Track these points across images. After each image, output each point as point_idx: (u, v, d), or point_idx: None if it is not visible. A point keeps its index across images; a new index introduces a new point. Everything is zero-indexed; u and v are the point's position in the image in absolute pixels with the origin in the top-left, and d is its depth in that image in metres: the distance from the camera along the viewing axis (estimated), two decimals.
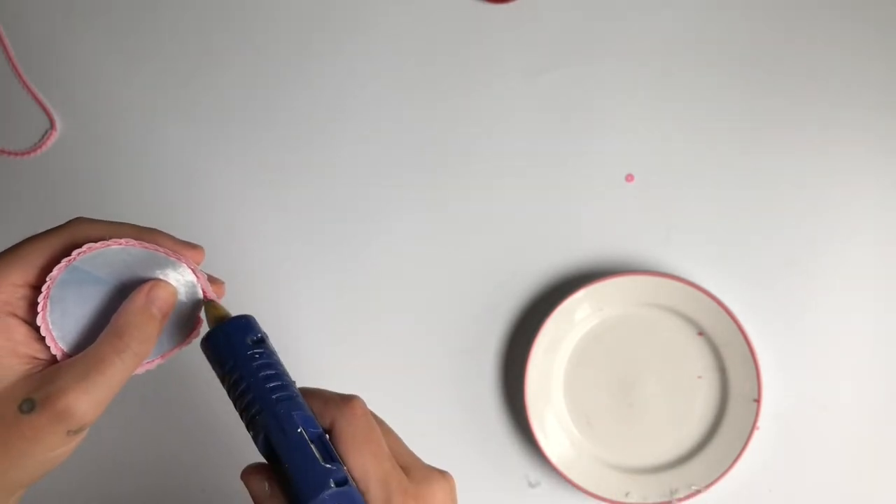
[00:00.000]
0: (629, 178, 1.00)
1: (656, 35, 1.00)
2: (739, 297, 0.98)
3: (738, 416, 0.96)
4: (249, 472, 0.56)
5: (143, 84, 1.04)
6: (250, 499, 0.56)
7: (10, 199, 1.05)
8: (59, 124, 1.04)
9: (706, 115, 0.99)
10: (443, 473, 0.59)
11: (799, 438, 0.98)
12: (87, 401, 0.53)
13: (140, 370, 0.58)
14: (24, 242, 0.57)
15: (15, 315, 0.55)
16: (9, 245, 0.57)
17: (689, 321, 0.97)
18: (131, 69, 1.04)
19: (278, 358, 0.58)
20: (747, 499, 0.99)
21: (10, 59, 1.05)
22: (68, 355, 0.56)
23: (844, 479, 0.98)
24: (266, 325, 0.60)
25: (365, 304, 1.02)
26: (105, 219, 0.60)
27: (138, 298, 0.57)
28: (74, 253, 0.56)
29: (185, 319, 0.61)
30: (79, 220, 0.59)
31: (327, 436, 0.56)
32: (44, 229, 0.59)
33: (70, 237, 0.57)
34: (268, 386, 0.56)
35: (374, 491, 0.54)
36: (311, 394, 0.58)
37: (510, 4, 1.01)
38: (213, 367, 0.59)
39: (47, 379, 0.53)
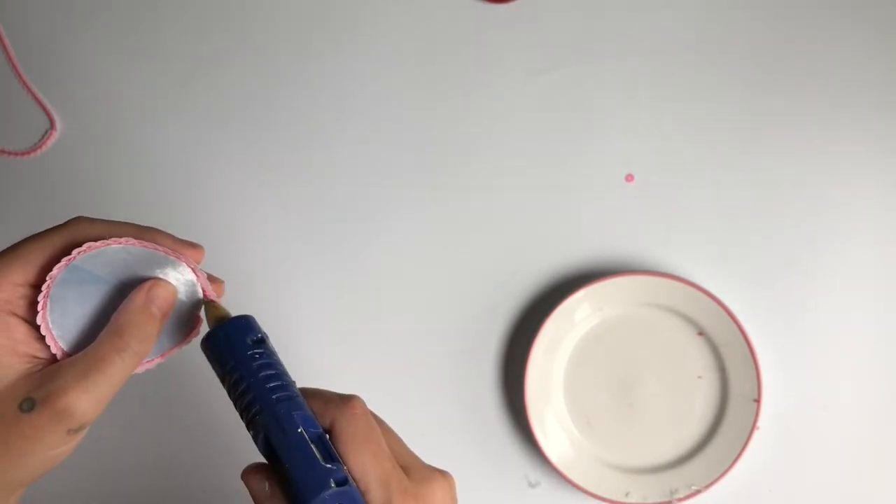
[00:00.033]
0: (629, 178, 1.00)
1: (656, 35, 1.00)
2: (739, 297, 0.98)
3: (738, 416, 0.96)
4: (249, 472, 0.56)
5: (143, 84, 1.04)
6: (250, 499, 0.56)
7: (10, 199, 1.05)
8: (59, 124, 1.04)
9: (706, 115, 0.99)
10: (443, 473, 0.59)
11: (799, 438, 0.98)
12: (88, 400, 0.53)
13: (140, 369, 0.58)
14: (25, 241, 0.57)
15: (15, 314, 0.55)
16: (9, 245, 0.57)
17: (689, 321, 0.97)
18: (131, 69, 1.04)
19: (278, 358, 0.58)
20: (747, 499, 0.99)
21: (10, 59, 1.05)
22: (68, 354, 0.56)
23: (844, 479, 0.98)
24: (266, 325, 0.60)
25: (365, 304, 1.02)
26: (105, 218, 0.60)
27: (138, 297, 0.57)
28: (74, 252, 0.56)
29: (185, 318, 0.61)
30: (79, 220, 0.59)
31: (327, 436, 0.56)
32: (44, 229, 0.59)
33: (70, 236, 0.57)
34: (268, 386, 0.56)
35: (374, 491, 0.54)
36: (311, 394, 0.58)
37: (510, 4, 1.01)
38: (214, 368, 0.59)
39: (47, 378, 0.53)
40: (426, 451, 0.61)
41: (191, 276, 0.60)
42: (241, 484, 0.57)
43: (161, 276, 0.59)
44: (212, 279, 0.62)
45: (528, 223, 1.01)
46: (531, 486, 1.00)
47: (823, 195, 0.98)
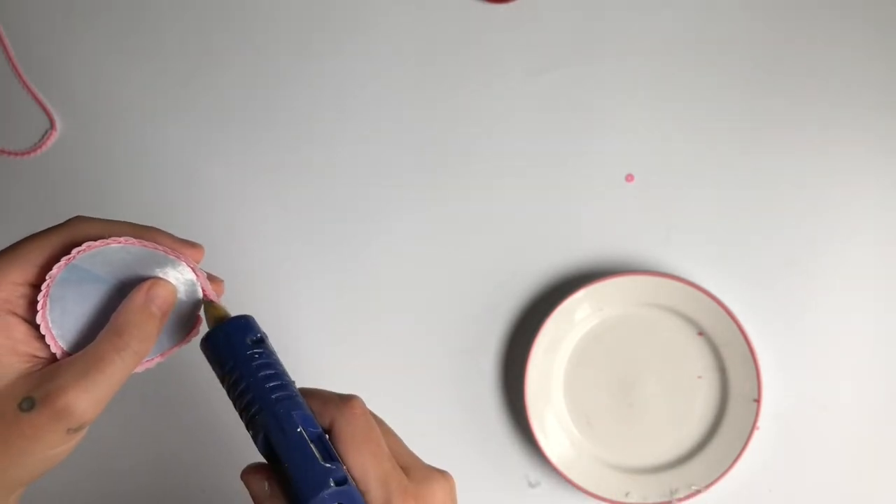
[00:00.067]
0: (629, 178, 1.00)
1: (656, 35, 1.00)
2: (739, 297, 0.98)
3: (738, 416, 0.96)
4: (249, 472, 0.56)
5: (143, 84, 1.04)
6: (250, 498, 0.56)
7: (10, 199, 1.05)
8: (59, 124, 1.04)
9: (706, 115, 0.99)
10: (443, 473, 0.59)
11: (799, 438, 0.98)
12: (87, 399, 0.53)
13: (140, 368, 0.58)
14: (24, 241, 0.57)
15: (15, 313, 0.55)
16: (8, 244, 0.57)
17: (689, 321, 0.97)
18: (131, 69, 1.04)
19: (278, 358, 0.58)
20: (747, 499, 0.99)
21: (10, 59, 1.05)
22: (68, 354, 0.56)
23: (844, 479, 0.98)
24: (266, 325, 0.60)
25: (365, 304, 1.02)
26: (104, 218, 0.60)
27: (138, 297, 0.57)
28: (74, 251, 0.56)
29: (184, 318, 0.61)
30: (78, 219, 0.59)
31: (327, 436, 0.56)
32: (43, 229, 0.59)
33: (69, 236, 0.57)
34: (267, 385, 0.56)
35: (373, 491, 0.54)
36: (310, 394, 0.58)
37: (510, 4, 1.01)
38: (213, 367, 0.59)
39: (47, 377, 0.53)
40: (426, 451, 0.61)
41: (190, 275, 0.60)
42: (241, 484, 0.57)
43: (161, 275, 0.59)
44: (211, 279, 0.62)
45: (528, 223, 1.01)
46: (531, 486, 1.00)
47: (823, 195, 0.98)
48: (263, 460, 0.56)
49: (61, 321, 0.56)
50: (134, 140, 1.04)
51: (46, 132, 1.04)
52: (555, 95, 1.00)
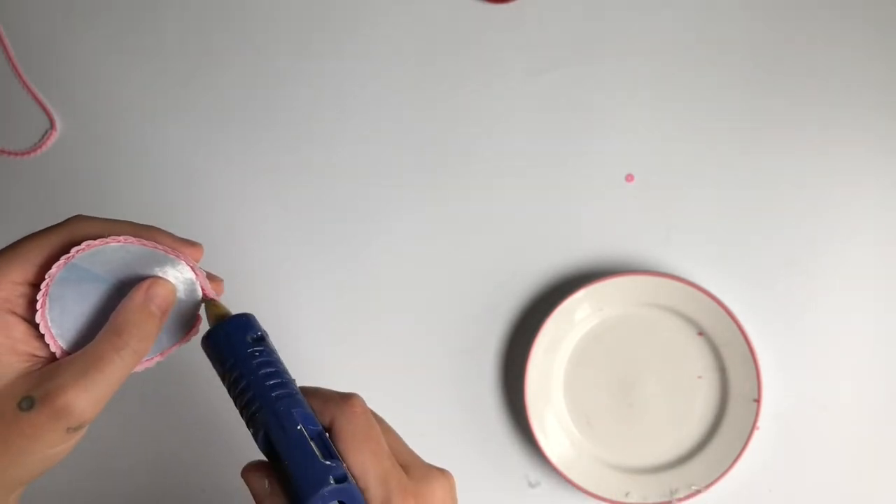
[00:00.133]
0: (629, 178, 1.00)
1: (656, 35, 1.00)
2: (739, 297, 0.98)
3: (738, 416, 0.96)
4: (249, 470, 0.56)
5: (143, 84, 1.04)
6: (250, 497, 0.56)
7: (10, 199, 1.05)
8: (59, 124, 1.04)
9: (706, 115, 0.99)
10: (442, 472, 0.59)
11: (799, 438, 0.98)
12: (87, 398, 0.53)
13: (139, 368, 0.58)
14: (24, 240, 0.57)
15: (14, 313, 0.55)
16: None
17: (689, 321, 0.97)
18: (131, 69, 1.05)
19: (278, 356, 0.58)
20: (747, 499, 0.99)
21: (10, 59, 1.05)
22: (67, 353, 0.56)
23: (844, 479, 0.98)
24: (266, 324, 0.60)
25: (365, 304, 1.02)
26: (104, 217, 0.60)
27: (137, 296, 0.57)
28: (73, 250, 0.56)
29: (184, 317, 0.61)
30: (78, 218, 0.59)
31: (327, 434, 0.56)
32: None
33: (69, 235, 0.57)
34: (268, 384, 0.56)
35: (373, 489, 0.54)
36: (310, 392, 0.58)
37: (510, 4, 1.01)
38: (214, 366, 0.59)
39: (46, 376, 0.53)
40: (426, 451, 0.61)
41: (190, 274, 0.60)
42: (241, 482, 0.57)
43: (160, 274, 0.59)
44: (211, 278, 0.62)
45: (528, 223, 1.01)
46: (531, 486, 1.00)
47: (823, 195, 0.98)
48: (264, 458, 0.56)
49: (60, 320, 0.56)
50: (134, 140, 1.04)
51: (46, 132, 1.04)
52: (555, 95, 1.00)
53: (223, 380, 0.58)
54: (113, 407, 0.57)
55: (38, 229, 0.58)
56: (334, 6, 1.03)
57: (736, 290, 0.98)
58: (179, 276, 0.60)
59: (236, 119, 1.03)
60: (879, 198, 0.97)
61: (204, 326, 0.61)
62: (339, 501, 0.52)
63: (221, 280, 0.63)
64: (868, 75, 0.97)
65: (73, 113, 1.05)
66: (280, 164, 1.03)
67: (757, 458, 0.98)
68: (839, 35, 0.98)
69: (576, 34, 1.00)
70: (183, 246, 0.60)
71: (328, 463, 0.53)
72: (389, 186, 1.02)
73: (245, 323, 0.59)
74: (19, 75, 1.04)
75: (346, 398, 0.58)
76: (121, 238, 0.58)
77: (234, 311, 0.60)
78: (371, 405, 0.59)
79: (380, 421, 0.60)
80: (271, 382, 0.56)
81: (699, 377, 0.98)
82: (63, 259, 0.56)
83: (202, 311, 0.61)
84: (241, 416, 0.57)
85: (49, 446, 0.53)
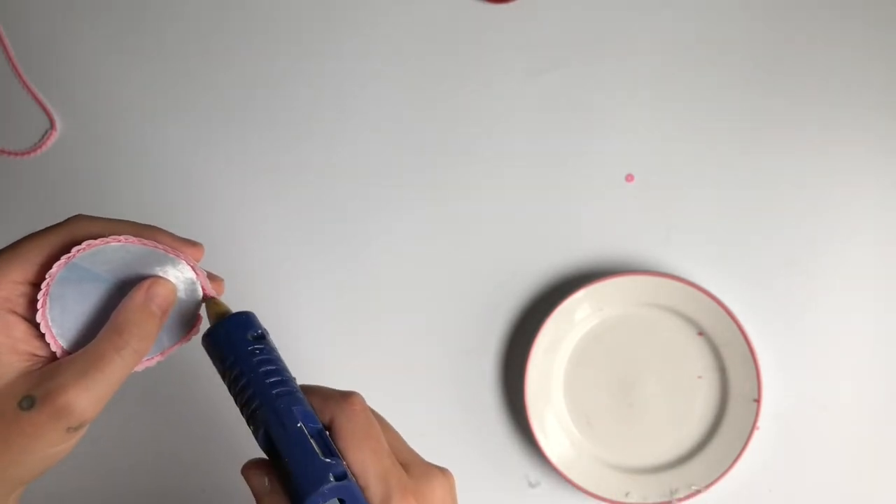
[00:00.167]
0: (629, 178, 1.00)
1: (656, 35, 1.00)
2: (739, 297, 0.98)
3: (738, 416, 0.96)
4: (249, 468, 0.56)
5: (143, 84, 1.04)
6: (251, 496, 0.56)
7: (10, 199, 1.05)
8: (59, 124, 1.04)
9: (706, 115, 0.99)
10: (442, 470, 0.59)
11: (799, 438, 0.98)
12: (87, 398, 0.53)
13: (140, 367, 0.58)
14: (24, 240, 0.57)
15: (15, 312, 0.55)
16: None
17: (689, 321, 0.97)
18: (131, 69, 1.04)
19: (278, 354, 0.58)
20: (747, 499, 0.99)
21: (10, 59, 1.05)
22: (68, 352, 0.56)
23: (844, 479, 0.98)
24: (266, 324, 0.60)
25: (365, 304, 1.02)
26: (104, 217, 0.60)
27: (138, 295, 0.57)
28: (74, 250, 0.56)
29: (184, 316, 0.61)
30: (78, 218, 0.59)
31: (327, 432, 0.56)
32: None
33: (69, 234, 0.57)
34: (268, 381, 0.56)
35: (373, 487, 0.54)
36: (311, 390, 0.58)
37: (510, 4, 1.01)
38: (214, 363, 0.59)
39: (47, 376, 0.53)
40: (426, 450, 0.61)
41: (190, 274, 0.60)
42: (241, 481, 0.57)
43: (161, 274, 0.59)
44: (212, 277, 0.62)
45: (528, 223, 1.01)
46: (531, 486, 1.00)
47: (823, 195, 0.98)
48: (264, 456, 0.57)
49: (61, 320, 0.56)
50: (134, 140, 1.04)
51: (46, 132, 1.04)
52: (555, 95, 1.00)
53: (223, 378, 0.58)
54: (113, 406, 0.57)
55: (38, 229, 0.58)
56: (334, 6, 1.03)
57: (736, 290, 0.98)
58: (180, 276, 0.60)
59: (236, 119, 1.03)
60: (879, 198, 0.97)
61: (204, 326, 0.61)
62: (338, 499, 0.52)
63: (222, 280, 0.63)
64: (868, 75, 0.97)
65: (73, 113, 1.05)
66: (280, 164, 1.03)
67: (757, 458, 0.98)
68: (839, 35, 0.98)
69: (576, 34, 1.00)
70: (183, 245, 0.60)
71: (328, 460, 0.53)
72: (389, 186, 1.02)
73: (245, 321, 0.59)
74: (19, 75, 1.04)
75: (346, 396, 0.58)
76: (121, 237, 0.58)
77: (234, 310, 0.60)
78: (371, 405, 0.59)
79: (380, 419, 0.60)
80: (271, 380, 0.56)
81: (699, 377, 0.98)
82: (64, 258, 0.56)
83: (203, 311, 0.61)
84: (242, 413, 0.57)
85: (49, 445, 0.53)
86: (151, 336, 0.57)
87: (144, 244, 0.58)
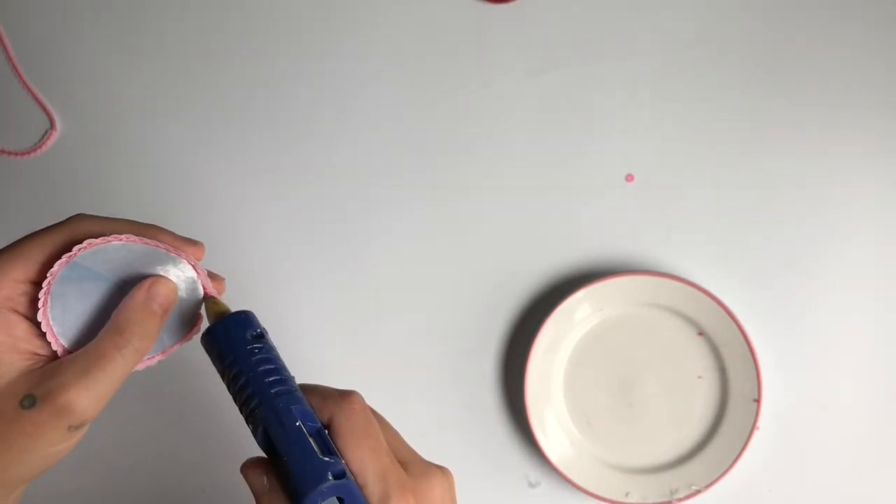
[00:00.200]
0: (629, 178, 1.00)
1: (656, 35, 1.00)
2: (739, 297, 0.98)
3: (738, 416, 0.96)
4: (248, 466, 0.56)
5: (143, 84, 1.04)
6: (251, 497, 0.56)
7: (10, 199, 1.05)
8: (59, 124, 1.04)
9: (706, 115, 0.99)
10: (441, 469, 0.59)
11: (799, 438, 0.98)
12: (88, 397, 0.53)
13: (141, 366, 0.58)
14: (25, 239, 0.57)
15: (16, 311, 0.55)
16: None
17: (689, 321, 0.97)
18: (131, 69, 1.04)
19: (278, 353, 0.58)
20: (747, 499, 0.99)
21: (10, 59, 1.05)
22: (69, 351, 0.56)
23: (844, 479, 0.98)
24: (266, 324, 0.60)
25: (365, 304, 1.02)
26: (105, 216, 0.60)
27: (139, 295, 0.57)
28: (75, 249, 0.56)
29: (185, 316, 0.61)
30: (79, 217, 0.59)
31: (326, 431, 0.56)
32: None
33: (70, 233, 0.57)
34: (267, 380, 0.56)
35: (372, 485, 0.54)
36: (310, 390, 0.58)
37: (510, 4, 1.01)
38: (213, 362, 0.59)
39: (48, 375, 0.53)
40: (426, 450, 0.61)
41: (191, 273, 0.60)
42: (241, 480, 0.56)
43: (162, 273, 0.59)
44: (212, 276, 0.62)
45: (528, 223, 1.01)
46: (531, 486, 1.00)
47: (823, 195, 0.98)
48: (263, 455, 0.57)
49: (62, 319, 0.56)
50: (134, 140, 1.04)
51: (46, 132, 1.04)
52: (555, 95, 1.00)
53: (222, 376, 0.58)
54: (113, 406, 0.56)
55: (38, 229, 0.58)
56: (334, 6, 1.03)
57: (736, 290, 0.98)
58: (181, 275, 0.60)
59: (236, 119, 1.03)
60: (879, 198, 0.97)
61: (205, 325, 0.61)
62: (337, 497, 0.52)
63: (223, 279, 0.64)
64: (868, 75, 0.97)
65: (73, 113, 1.05)
66: (280, 164, 1.03)
67: (757, 458, 0.98)
68: (839, 35, 0.98)
69: (576, 34, 1.00)
70: (184, 244, 0.60)
71: (327, 459, 0.53)
72: (389, 186, 1.02)
73: (244, 320, 0.59)
74: (19, 75, 1.04)
75: (345, 395, 0.58)
76: (122, 236, 0.58)
77: (233, 310, 0.60)
78: (371, 405, 0.59)
79: (379, 418, 0.60)
80: (270, 379, 0.56)
81: (699, 377, 0.98)
82: (65, 257, 0.56)
83: (203, 310, 0.61)
84: (241, 412, 0.57)
85: (50, 444, 0.53)
86: (152, 335, 0.57)
87: (145, 243, 0.58)
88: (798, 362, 0.98)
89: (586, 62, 1.00)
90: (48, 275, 0.55)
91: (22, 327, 0.55)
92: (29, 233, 0.58)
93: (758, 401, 0.94)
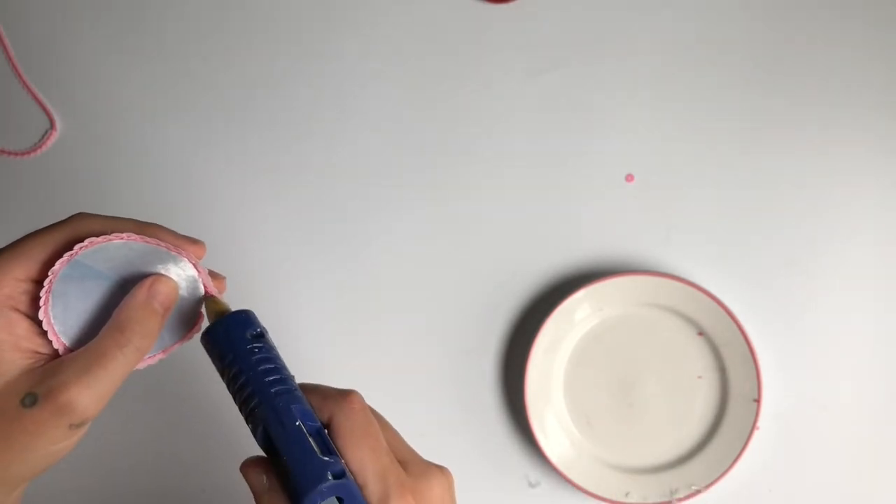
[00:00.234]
0: (629, 178, 1.00)
1: (656, 35, 1.00)
2: (739, 297, 0.98)
3: (738, 416, 0.96)
4: (248, 466, 0.56)
5: (143, 84, 1.04)
6: (251, 497, 0.56)
7: (10, 199, 1.05)
8: (59, 124, 1.04)
9: (706, 115, 0.99)
10: (441, 468, 0.59)
11: (799, 438, 0.98)
12: (89, 395, 0.53)
13: (142, 365, 0.58)
14: (27, 237, 0.57)
15: (17, 310, 0.55)
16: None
17: (689, 321, 0.97)
18: (131, 69, 1.04)
19: (277, 352, 0.58)
20: (747, 499, 0.99)
21: (10, 59, 1.05)
22: (70, 350, 0.56)
23: (844, 479, 0.98)
24: (266, 324, 0.60)
25: (365, 304, 1.02)
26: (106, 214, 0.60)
27: (140, 293, 0.57)
28: (76, 247, 0.56)
29: (186, 314, 0.61)
30: (80, 215, 0.59)
31: (326, 430, 0.56)
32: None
33: (72, 232, 0.57)
34: (267, 379, 0.56)
35: (371, 485, 0.54)
36: (310, 389, 0.58)
37: (510, 4, 1.01)
38: (213, 362, 0.59)
39: (49, 373, 0.53)
40: (426, 450, 0.61)
41: (192, 271, 0.60)
42: (241, 480, 0.56)
43: (163, 271, 0.59)
44: (213, 275, 0.62)
45: (528, 223, 1.01)
46: (531, 486, 1.00)
47: (823, 195, 0.98)
48: (262, 454, 0.56)
49: (63, 317, 0.56)
50: (134, 140, 1.04)
51: (46, 132, 1.04)
52: (555, 95, 1.00)
53: (222, 376, 0.58)
54: (114, 405, 0.57)
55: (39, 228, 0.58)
56: (334, 6, 1.03)
57: (736, 290, 0.98)
58: (182, 274, 0.60)
59: (236, 119, 1.03)
60: (879, 198, 0.98)
61: (205, 324, 0.61)
62: (337, 497, 0.52)
63: (224, 277, 0.64)
64: (868, 75, 0.97)
65: (73, 113, 1.05)
66: (280, 164, 1.03)
67: (757, 458, 0.98)
68: (839, 35, 0.98)
69: (576, 34, 1.00)
70: (185, 243, 0.61)
71: (326, 459, 0.53)
72: (389, 186, 1.02)
73: (244, 319, 0.59)
74: (19, 75, 1.04)
75: (345, 395, 0.58)
76: (124, 235, 0.58)
77: (233, 309, 0.60)
78: (371, 405, 0.59)
79: (378, 417, 0.60)
80: (270, 378, 0.56)
81: (699, 377, 0.98)
82: (66, 256, 0.56)
83: (203, 308, 0.61)
84: (241, 412, 0.57)
85: (52, 443, 0.53)
86: (153, 334, 0.57)
87: (147, 241, 0.58)
88: (798, 362, 0.98)
89: (586, 62, 1.00)
90: (49, 273, 0.55)
91: (23, 326, 0.55)
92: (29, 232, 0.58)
93: (758, 401, 0.94)
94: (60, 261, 0.56)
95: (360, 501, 0.53)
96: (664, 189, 0.99)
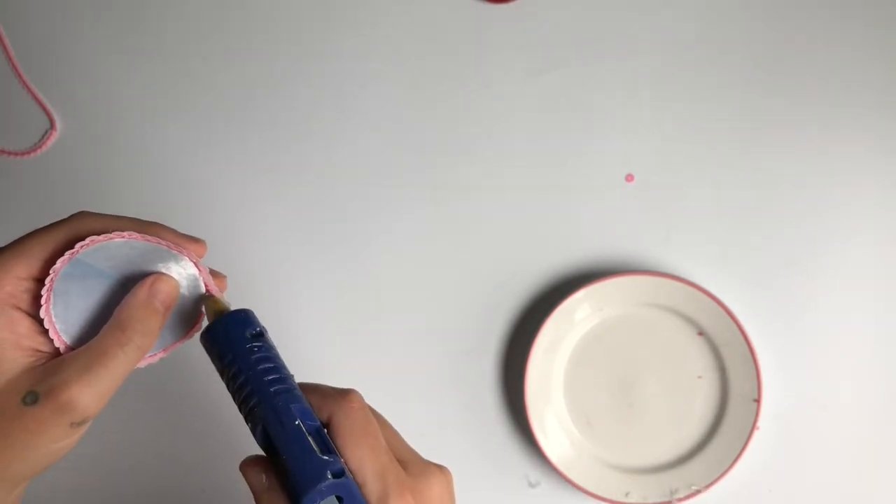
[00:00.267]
0: (629, 178, 1.00)
1: (656, 35, 1.00)
2: (739, 297, 0.98)
3: (738, 416, 0.96)
4: (247, 465, 0.56)
5: (143, 84, 1.04)
6: (251, 497, 0.56)
7: (10, 199, 1.05)
8: (59, 124, 1.04)
9: (706, 115, 0.99)
10: (440, 467, 0.59)
11: (799, 438, 0.98)
12: (90, 393, 0.53)
13: (143, 364, 0.58)
14: (28, 236, 0.57)
15: (19, 308, 0.55)
16: None
17: (689, 321, 0.97)
18: (131, 69, 1.04)
19: (277, 352, 0.58)
20: (747, 499, 0.99)
21: (10, 59, 1.05)
22: (71, 348, 0.56)
23: (844, 479, 0.98)
24: (266, 324, 0.60)
25: (365, 304, 1.02)
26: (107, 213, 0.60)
27: (141, 292, 0.57)
28: (77, 246, 0.56)
29: (187, 313, 0.61)
30: (82, 214, 0.59)
31: (325, 429, 0.56)
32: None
33: (73, 230, 0.57)
34: (266, 379, 0.56)
35: (370, 484, 0.54)
36: (309, 388, 0.58)
37: (510, 4, 1.01)
38: (213, 361, 0.59)
39: (50, 371, 0.53)
40: (426, 450, 0.61)
41: (193, 270, 0.60)
42: (241, 480, 0.56)
43: (164, 270, 0.59)
44: (214, 274, 0.62)
45: (528, 223, 1.01)
46: (531, 486, 1.00)
47: (823, 195, 0.98)
48: (262, 453, 0.56)
49: (65, 316, 0.57)
50: (134, 140, 1.04)
51: (46, 132, 1.04)
52: (555, 95, 1.00)
53: (222, 375, 0.58)
54: (114, 405, 0.57)
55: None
56: (334, 6, 1.03)
57: (736, 290, 0.98)
58: (183, 273, 0.60)
59: (236, 119, 1.03)
60: (879, 198, 0.98)
61: (206, 323, 0.61)
62: (336, 496, 0.52)
63: (225, 277, 0.64)
64: (868, 75, 0.97)
65: (73, 113, 1.05)
66: (280, 164, 1.03)
67: (757, 458, 0.98)
68: (839, 35, 0.98)
69: (576, 34, 1.00)
70: (186, 242, 0.61)
71: (326, 458, 0.53)
72: (389, 186, 1.02)
73: (244, 318, 0.59)
74: (19, 75, 1.04)
75: (345, 394, 0.58)
76: (125, 234, 0.58)
77: (233, 308, 0.60)
78: (371, 405, 0.59)
79: (378, 417, 0.60)
80: (270, 378, 0.56)
81: (699, 377, 0.98)
82: (67, 254, 0.56)
83: (203, 308, 0.61)
84: (240, 411, 0.57)
85: (53, 441, 0.53)
86: (154, 332, 0.57)
87: (148, 240, 0.58)
88: (798, 362, 0.98)
89: (586, 62, 1.00)
90: (51, 272, 0.55)
91: (24, 324, 0.55)
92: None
93: (758, 401, 0.94)
94: (62, 259, 0.56)
95: (359, 500, 0.53)
96: (664, 189, 0.99)
